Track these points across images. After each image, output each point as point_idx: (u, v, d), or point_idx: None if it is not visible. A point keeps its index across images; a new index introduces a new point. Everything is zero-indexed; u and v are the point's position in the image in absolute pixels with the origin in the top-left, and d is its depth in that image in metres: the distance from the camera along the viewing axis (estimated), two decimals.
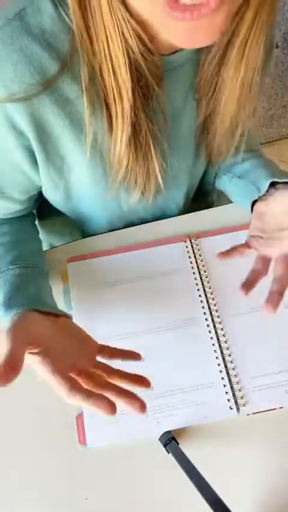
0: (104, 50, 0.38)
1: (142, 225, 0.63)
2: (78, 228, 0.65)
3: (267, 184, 0.54)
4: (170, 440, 0.45)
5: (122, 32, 0.37)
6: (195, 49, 0.45)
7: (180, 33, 0.32)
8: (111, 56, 0.39)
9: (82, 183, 0.52)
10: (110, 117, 0.44)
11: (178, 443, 0.45)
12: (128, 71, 0.39)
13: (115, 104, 0.42)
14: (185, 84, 0.49)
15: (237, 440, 0.47)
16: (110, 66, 0.39)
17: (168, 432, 0.46)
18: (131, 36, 0.37)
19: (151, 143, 0.46)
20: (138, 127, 0.44)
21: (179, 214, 0.64)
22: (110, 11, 0.35)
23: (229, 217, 0.62)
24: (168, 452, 0.45)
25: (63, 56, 0.40)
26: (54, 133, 0.45)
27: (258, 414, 0.48)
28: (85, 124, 0.44)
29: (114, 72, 0.40)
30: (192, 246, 0.59)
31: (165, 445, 0.45)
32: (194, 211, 0.64)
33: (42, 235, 0.70)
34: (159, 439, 0.46)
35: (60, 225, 0.67)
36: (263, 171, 0.57)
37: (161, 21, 0.32)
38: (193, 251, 0.59)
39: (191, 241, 0.60)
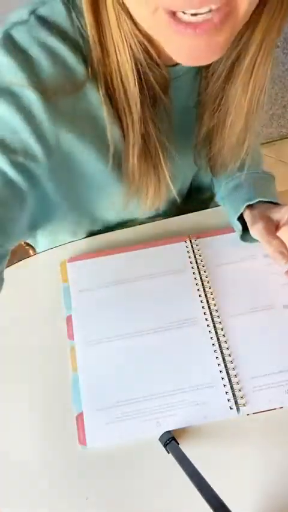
0: (113, 63, 0.39)
1: (142, 225, 0.63)
2: (77, 227, 0.65)
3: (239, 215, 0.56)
4: (170, 440, 0.45)
5: (130, 45, 0.37)
6: None
7: (181, 48, 0.32)
8: (119, 69, 0.39)
9: (93, 192, 0.51)
10: (122, 130, 0.44)
11: (178, 443, 0.45)
12: (136, 84, 0.39)
13: (125, 116, 0.42)
14: (187, 92, 0.49)
15: (237, 440, 0.47)
16: (119, 79, 0.40)
17: (168, 432, 0.46)
18: (138, 50, 0.38)
19: (160, 152, 0.46)
20: (148, 137, 0.44)
21: (175, 213, 0.64)
22: (118, 26, 0.36)
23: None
24: (168, 452, 0.45)
25: (85, 57, 0.40)
26: (73, 140, 0.43)
27: (258, 414, 0.48)
28: (106, 134, 0.43)
29: (123, 84, 0.40)
30: (192, 246, 0.59)
31: (165, 445, 0.45)
32: (190, 208, 0.64)
33: (40, 235, 0.70)
34: (159, 439, 0.46)
35: (58, 224, 0.67)
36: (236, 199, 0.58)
37: (163, 35, 0.33)
38: (193, 251, 0.59)
39: (191, 241, 0.60)
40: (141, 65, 0.39)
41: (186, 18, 0.30)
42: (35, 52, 0.38)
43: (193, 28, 0.30)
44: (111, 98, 0.42)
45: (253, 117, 0.47)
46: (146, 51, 0.38)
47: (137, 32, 0.36)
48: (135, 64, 0.38)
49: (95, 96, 0.42)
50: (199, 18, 0.29)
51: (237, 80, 0.43)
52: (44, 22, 0.39)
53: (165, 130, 0.46)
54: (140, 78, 0.39)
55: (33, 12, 0.39)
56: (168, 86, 0.44)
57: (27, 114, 0.39)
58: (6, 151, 0.39)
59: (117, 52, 0.38)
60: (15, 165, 0.40)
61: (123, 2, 0.34)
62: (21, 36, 0.38)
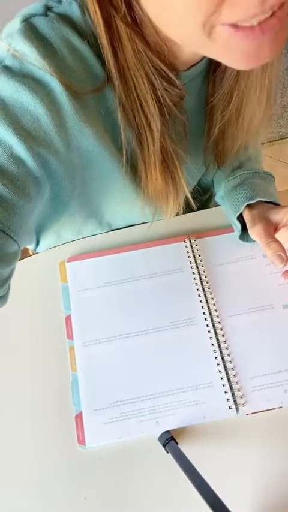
0: (132, 90, 0.39)
1: (142, 224, 0.63)
2: (82, 227, 0.65)
3: (239, 213, 0.56)
4: (169, 440, 0.45)
5: (145, 73, 0.38)
6: (208, 59, 0.45)
7: (243, 53, 0.31)
8: (138, 95, 0.39)
9: (104, 194, 0.51)
10: (136, 138, 0.44)
11: (177, 443, 0.45)
12: (156, 106, 0.40)
13: (146, 134, 0.42)
14: (196, 94, 0.49)
15: (237, 440, 0.47)
16: (138, 105, 0.40)
17: (167, 432, 0.46)
18: (154, 77, 0.38)
19: (177, 162, 0.46)
20: (165, 151, 0.44)
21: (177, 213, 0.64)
22: (135, 55, 0.36)
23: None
24: (168, 452, 0.45)
25: (103, 62, 0.39)
26: (92, 139, 0.42)
27: (257, 414, 0.48)
28: (121, 140, 0.43)
29: (142, 108, 0.40)
30: (191, 246, 0.59)
31: (164, 445, 0.45)
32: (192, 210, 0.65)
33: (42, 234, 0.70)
34: (158, 439, 0.46)
35: (64, 223, 0.67)
36: (234, 201, 0.58)
37: (221, 49, 0.31)
38: (192, 251, 0.59)
39: (190, 241, 0.60)
40: (158, 89, 0.39)
41: (248, 23, 0.28)
42: (58, 44, 0.37)
43: (260, 29, 0.28)
44: (124, 107, 0.41)
45: (268, 105, 0.48)
46: (162, 76, 0.38)
47: (152, 56, 0.36)
48: (153, 90, 0.39)
49: (112, 100, 0.42)
50: (261, 18, 0.28)
51: (254, 73, 0.43)
52: (64, 19, 0.38)
53: (180, 139, 0.47)
54: (158, 101, 0.40)
55: (50, 9, 0.38)
56: (183, 98, 0.43)
57: (52, 105, 0.38)
58: (28, 140, 0.38)
59: (135, 81, 0.38)
60: (36, 155, 0.38)
61: (135, 23, 0.34)
62: (43, 26, 0.37)
